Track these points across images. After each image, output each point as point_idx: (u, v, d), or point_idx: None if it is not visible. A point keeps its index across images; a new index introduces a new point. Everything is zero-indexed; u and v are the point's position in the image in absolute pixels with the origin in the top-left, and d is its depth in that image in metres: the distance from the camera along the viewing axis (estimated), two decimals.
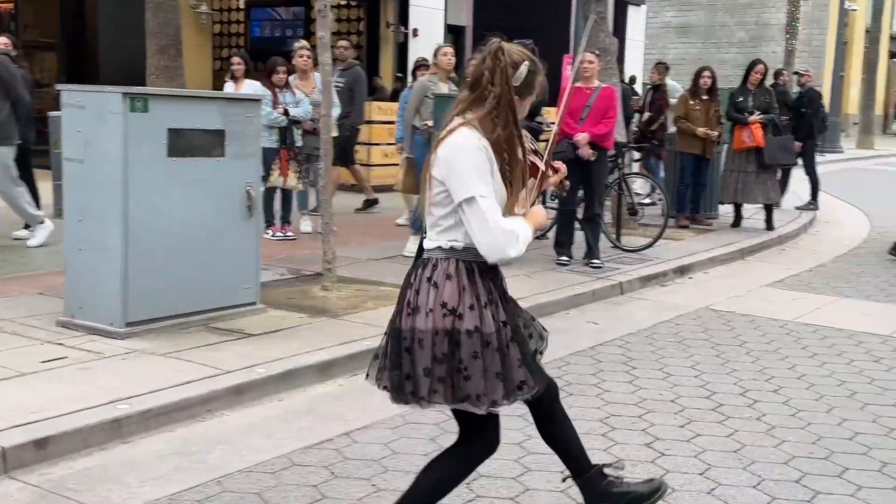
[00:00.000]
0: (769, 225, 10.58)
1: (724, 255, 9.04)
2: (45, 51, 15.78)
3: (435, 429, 4.40)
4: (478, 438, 3.08)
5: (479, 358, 2.81)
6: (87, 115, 5.29)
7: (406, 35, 17.46)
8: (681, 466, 4.00)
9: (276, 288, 6.81)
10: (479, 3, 19.46)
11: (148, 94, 5.31)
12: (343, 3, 17.71)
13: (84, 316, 5.42)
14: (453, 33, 20.07)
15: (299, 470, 3.86)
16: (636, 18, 23.97)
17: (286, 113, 8.63)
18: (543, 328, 3.24)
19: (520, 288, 6.96)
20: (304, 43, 9.25)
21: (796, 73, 13.44)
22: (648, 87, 12.42)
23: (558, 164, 3.16)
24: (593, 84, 7.95)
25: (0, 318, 5.57)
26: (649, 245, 8.73)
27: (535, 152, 3.12)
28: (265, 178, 8.82)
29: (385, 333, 3.01)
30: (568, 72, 11.34)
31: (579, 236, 8.22)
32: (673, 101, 13.19)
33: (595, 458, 4.01)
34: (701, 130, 10.51)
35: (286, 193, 8.96)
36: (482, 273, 2.88)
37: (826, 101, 27.83)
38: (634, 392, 5.02)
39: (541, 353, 3.19)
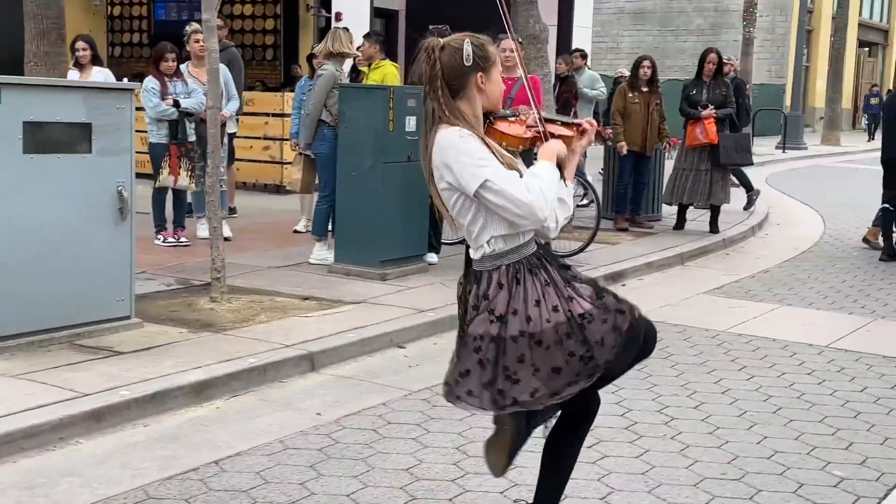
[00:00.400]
0: (714, 227, 10.73)
1: (662, 261, 9.15)
2: None
3: (317, 455, 4.38)
4: (585, 420, 3.37)
5: (524, 362, 3.01)
6: None
7: (328, 20, 17.40)
8: (581, 491, 4.03)
9: (160, 300, 6.73)
10: None
11: (0, 84, 5.20)
12: None
13: None
14: (383, 17, 20.08)
15: None
16: (583, 3, 24.17)
17: (176, 104, 8.53)
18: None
19: (430, 298, 6.98)
20: (196, 26, 9.14)
21: None
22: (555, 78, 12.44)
23: (583, 122, 3.31)
24: (515, 74, 7.99)
25: None
26: (580, 250, 8.80)
27: (563, 124, 3.31)
28: (155, 178, 8.75)
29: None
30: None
31: None
32: (593, 91, 13.24)
33: (489, 482, 4.05)
34: (620, 145, 10.66)
35: (178, 194, 8.85)
36: (532, 269, 3.08)
37: (788, 93, 28.58)
38: None
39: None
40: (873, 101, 33.44)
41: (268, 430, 4.69)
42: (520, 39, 8.39)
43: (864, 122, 37.00)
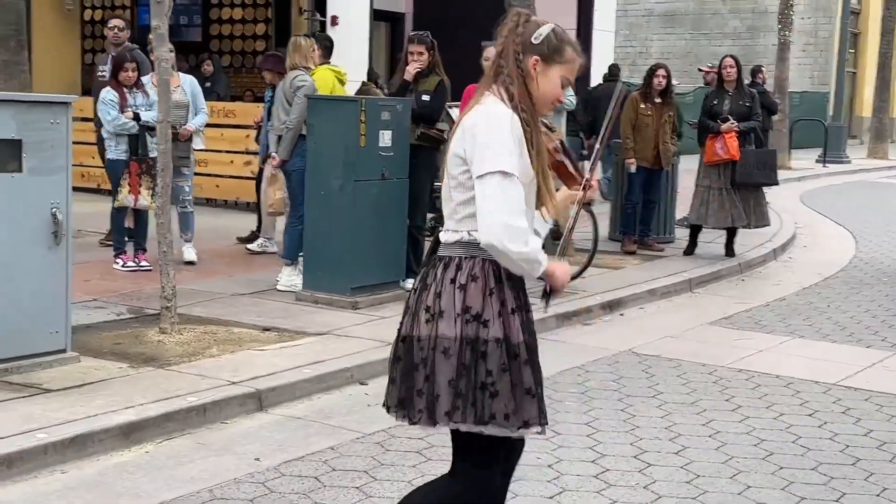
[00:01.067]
0: (729, 251, 10.61)
1: (668, 287, 9.05)
2: None
3: None
4: (473, 473, 3.13)
5: (507, 371, 2.95)
6: None
7: (323, 24, 17.45)
8: None
9: (105, 331, 6.70)
10: None
11: None
12: None
13: None
14: (388, 21, 20.10)
15: None
16: (605, 5, 24.16)
17: (136, 117, 8.52)
18: None
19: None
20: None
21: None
22: None
23: (591, 177, 3.31)
24: None
25: None
26: (576, 275, 8.70)
27: (573, 163, 3.33)
28: (113, 196, 8.74)
29: (392, 350, 3.18)
30: None
31: None
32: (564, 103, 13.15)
33: None
34: (630, 162, 10.59)
35: (139, 215, 8.83)
36: (510, 277, 3.02)
37: (832, 102, 28.35)
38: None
39: None
40: None
41: (199, 477, 4.63)
42: None
43: None
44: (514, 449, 3.22)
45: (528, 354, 3.00)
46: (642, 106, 10.77)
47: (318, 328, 6.93)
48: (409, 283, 8.14)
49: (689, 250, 10.66)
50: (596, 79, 18.46)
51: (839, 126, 26.43)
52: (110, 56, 9.93)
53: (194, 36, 18.67)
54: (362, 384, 6.08)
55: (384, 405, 3.22)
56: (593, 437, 5.29)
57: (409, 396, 3.04)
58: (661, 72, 10.84)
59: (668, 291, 9.02)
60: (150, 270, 8.75)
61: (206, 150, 11.29)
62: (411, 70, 8.06)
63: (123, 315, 7.22)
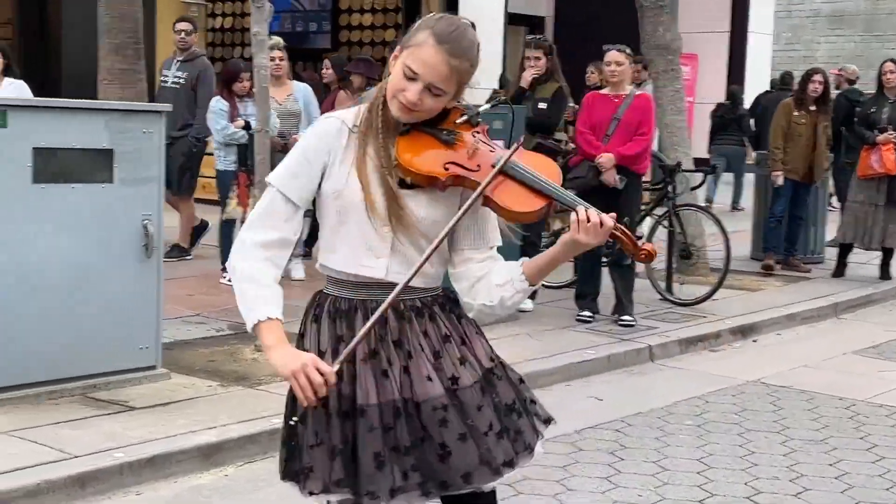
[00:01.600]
0: (885, 273, 10.17)
1: (810, 312, 8.72)
2: None
3: None
4: None
5: (300, 422, 2.69)
6: None
7: None
8: None
9: (202, 347, 6.82)
10: None
11: (6, 105, 5.41)
12: None
13: None
14: (526, 25, 20.08)
15: None
16: (762, 5, 23.58)
17: (247, 127, 8.68)
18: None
19: (511, 351, 6.80)
20: (276, 40, 9.32)
21: (830, 72, 12.85)
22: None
23: (586, 211, 2.59)
24: (623, 91, 7.77)
25: None
26: (706, 297, 8.46)
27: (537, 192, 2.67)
28: (222, 208, 8.93)
29: None
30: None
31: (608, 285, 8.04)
32: None
33: None
34: (776, 174, 10.27)
35: None
36: (338, 313, 2.77)
37: None
38: (605, 492, 4.83)
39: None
40: None
41: (274, 503, 4.64)
42: (627, 51, 7.91)
43: None
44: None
45: (340, 405, 2.65)
46: (796, 113, 10.46)
47: None
48: (524, 303, 8.05)
49: (839, 272, 10.29)
50: (753, 85, 17.96)
51: None
52: (176, 60, 10.17)
53: (323, 43, 19.01)
54: None
55: None
56: (704, 474, 5.10)
57: None
58: (818, 77, 10.50)
59: (811, 316, 8.70)
60: None
61: None
62: (527, 76, 8.00)
63: (223, 331, 7.34)
